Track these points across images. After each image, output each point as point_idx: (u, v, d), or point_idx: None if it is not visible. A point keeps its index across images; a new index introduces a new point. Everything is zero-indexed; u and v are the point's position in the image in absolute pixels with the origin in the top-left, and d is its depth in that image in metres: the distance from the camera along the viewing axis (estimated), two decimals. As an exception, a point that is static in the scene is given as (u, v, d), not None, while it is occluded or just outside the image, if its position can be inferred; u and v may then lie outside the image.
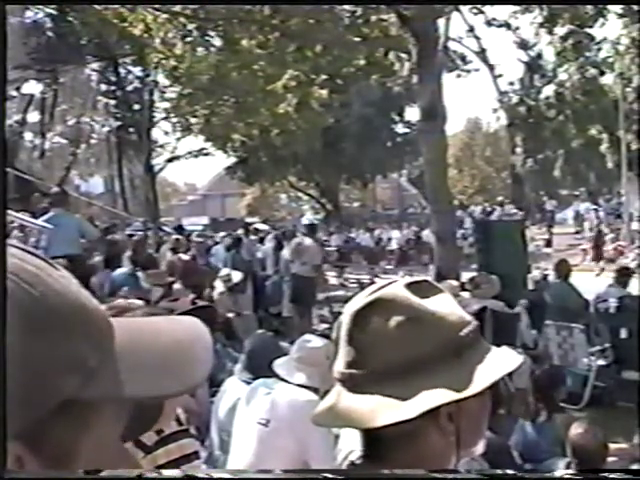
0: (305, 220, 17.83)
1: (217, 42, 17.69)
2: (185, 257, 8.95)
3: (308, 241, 10.72)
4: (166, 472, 0.70)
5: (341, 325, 1.12)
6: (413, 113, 33.31)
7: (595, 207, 25.91)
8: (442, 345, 1.06)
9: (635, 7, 17.21)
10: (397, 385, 1.03)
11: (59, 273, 0.63)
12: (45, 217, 7.58)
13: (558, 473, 3.29)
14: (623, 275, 8.16)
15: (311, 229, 11.53)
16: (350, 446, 2.43)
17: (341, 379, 1.09)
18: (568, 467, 3.47)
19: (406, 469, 1.03)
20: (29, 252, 0.63)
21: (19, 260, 0.60)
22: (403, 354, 1.04)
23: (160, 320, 0.76)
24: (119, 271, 6.81)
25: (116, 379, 0.62)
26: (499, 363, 1.09)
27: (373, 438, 1.08)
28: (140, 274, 6.90)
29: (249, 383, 3.57)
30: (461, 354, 1.07)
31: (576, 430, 3.54)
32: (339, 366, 1.10)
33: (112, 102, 26.45)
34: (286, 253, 10.94)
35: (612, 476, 0.87)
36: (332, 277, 18.80)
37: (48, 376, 0.57)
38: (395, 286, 1.10)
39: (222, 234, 14.65)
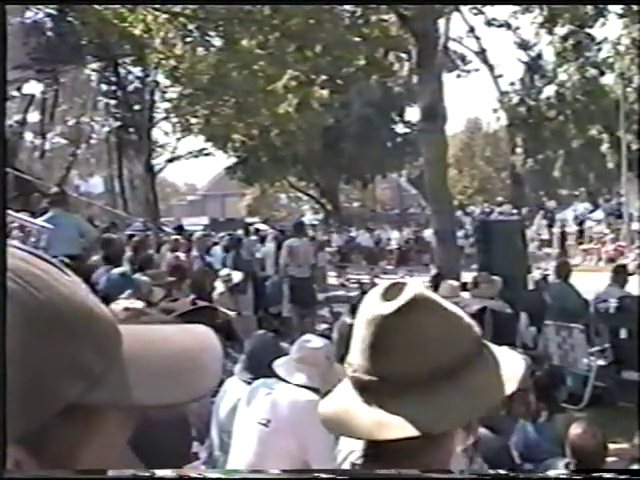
0: (295, 220, 17.87)
1: (217, 42, 17.68)
2: (185, 257, 8.95)
3: (298, 242, 10.71)
4: (159, 472, 0.70)
5: (358, 328, 1.07)
6: (413, 113, 33.29)
7: (592, 209, 25.95)
8: (467, 347, 1.05)
9: (635, 7, 17.21)
10: (424, 395, 1.00)
11: (67, 278, 0.63)
12: (45, 217, 7.59)
13: (557, 473, 3.29)
14: (619, 273, 8.15)
15: (300, 228, 11.52)
16: (350, 447, 2.43)
17: (361, 386, 1.04)
18: (568, 467, 3.47)
19: (409, 469, 1.02)
20: (37, 255, 0.62)
21: (25, 263, 0.60)
22: (440, 357, 1.02)
23: (170, 328, 0.76)
24: (115, 271, 6.77)
25: (122, 386, 0.62)
26: (512, 367, 1.08)
27: (377, 441, 1.04)
28: (138, 274, 6.88)
29: (249, 383, 3.57)
30: (482, 352, 1.07)
31: (575, 430, 3.54)
32: (357, 372, 1.05)
33: (112, 102, 26.46)
34: (281, 257, 10.93)
35: (610, 476, 0.88)
36: (332, 277, 18.80)
37: (50, 381, 0.57)
38: (419, 287, 1.07)
39: (222, 234, 14.65)
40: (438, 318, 1.04)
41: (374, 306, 1.05)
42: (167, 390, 0.64)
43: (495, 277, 7.76)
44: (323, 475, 0.85)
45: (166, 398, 0.65)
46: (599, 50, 29.14)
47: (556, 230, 24.23)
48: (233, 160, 31.29)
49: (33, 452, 0.58)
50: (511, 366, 1.07)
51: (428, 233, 19.23)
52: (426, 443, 1.01)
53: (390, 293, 1.05)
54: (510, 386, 1.04)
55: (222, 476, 0.75)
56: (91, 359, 0.61)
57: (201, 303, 4.19)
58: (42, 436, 0.58)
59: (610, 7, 22.27)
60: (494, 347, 1.11)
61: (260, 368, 3.56)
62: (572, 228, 24.07)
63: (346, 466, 2.19)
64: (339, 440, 2.87)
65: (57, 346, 0.58)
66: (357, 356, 1.06)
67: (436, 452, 1.04)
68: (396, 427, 0.98)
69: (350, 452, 2.30)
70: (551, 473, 3.21)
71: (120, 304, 3.05)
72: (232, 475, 0.92)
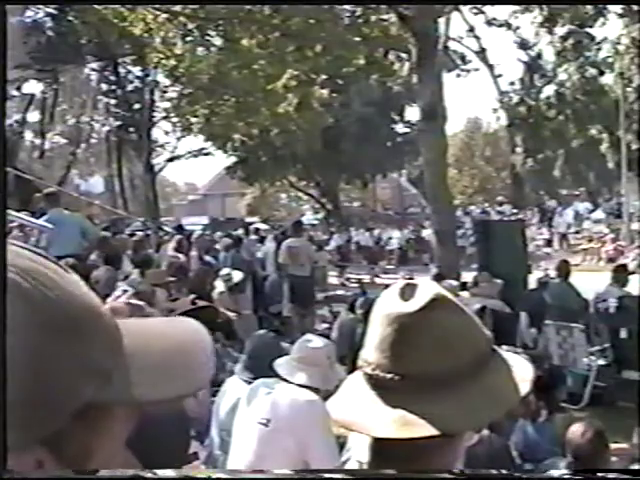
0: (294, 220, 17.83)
1: (217, 42, 17.72)
2: (184, 257, 8.95)
3: (297, 241, 10.69)
4: (160, 472, 0.70)
5: (376, 327, 1.06)
6: (413, 113, 33.31)
7: (592, 208, 25.98)
8: (483, 347, 1.05)
9: (635, 7, 17.21)
10: (446, 394, 1.00)
11: (70, 277, 0.63)
12: (45, 217, 7.57)
13: (558, 473, 3.29)
14: (620, 273, 8.15)
15: (298, 228, 11.50)
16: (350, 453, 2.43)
17: (381, 385, 1.03)
18: (568, 467, 3.47)
19: (418, 468, 1.01)
20: (40, 254, 0.62)
21: (34, 262, 0.60)
22: (461, 356, 1.02)
23: (161, 322, 0.76)
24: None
25: (127, 383, 0.62)
26: (523, 368, 1.08)
27: (386, 440, 1.03)
28: (137, 274, 6.87)
29: (250, 383, 3.57)
30: (494, 352, 1.07)
31: (576, 429, 3.54)
32: (376, 370, 1.04)
33: (112, 102, 26.46)
34: (281, 257, 10.90)
35: (611, 476, 0.87)
36: (332, 277, 18.79)
37: (67, 380, 0.57)
38: (436, 287, 1.07)
39: (220, 233, 14.64)
40: (457, 317, 1.04)
41: (393, 305, 1.04)
42: (167, 385, 0.65)
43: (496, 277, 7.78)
44: (330, 475, 0.84)
45: (166, 393, 0.65)
46: (599, 50, 29.17)
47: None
48: (233, 160, 31.29)
49: (53, 452, 0.58)
50: (521, 367, 1.07)
51: (428, 233, 19.23)
52: (440, 442, 1.00)
53: (407, 293, 1.05)
54: (524, 387, 1.04)
55: (227, 476, 0.75)
56: (101, 357, 0.61)
57: (201, 303, 4.19)
58: (61, 436, 0.58)
59: (610, 7, 22.29)
60: (499, 348, 1.11)
61: (261, 368, 3.56)
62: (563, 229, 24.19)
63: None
64: (338, 440, 2.87)
65: (71, 345, 0.58)
66: (376, 354, 1.05)
67: (447, 452, 1.04)
68: (419, 426, 0.97)
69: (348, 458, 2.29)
70: (552, 473, 3.21)
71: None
72: (237, 475, 0.92)
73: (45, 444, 0.57)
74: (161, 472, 0.70)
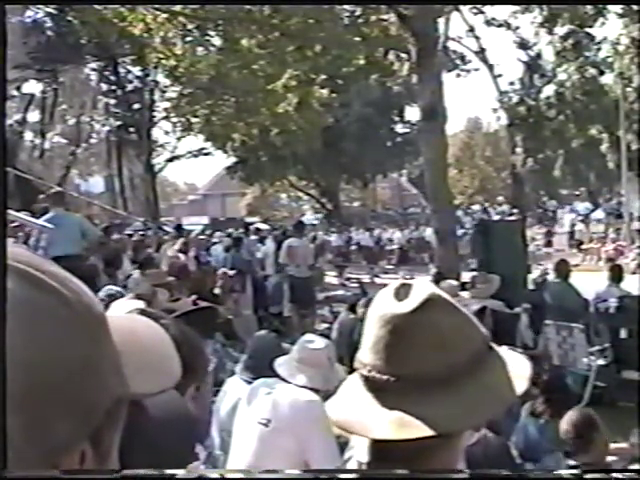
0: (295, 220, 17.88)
1: (217, 42, 17.73)
2: (183, 257, 8.95)
3: (297, 242, 10.70)
4: (169, 471, 0.72)
5: (371, 328, 1.05)
6: (413, 113, 33.33)
7: (592, 208, 25.99)
8: (479, 346, 1.05)
9: (635, 7, 17.22)
10: (442, 394, 0.99)
11: (76, 279, 0.65)
12: (46, 217, 7.57)
13: (559, 472, 3.29)
14: (615, 272, 8.16)
15: (300, 228, 11.51)
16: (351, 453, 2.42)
17: (377, 386, 1.02)
18: (570, 467, 3.47)
19: (418, 468, 1.01)
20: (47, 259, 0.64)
21: (57, 267, 0.61)
22: (457, 355, 1.01)
23: (129, 318, 0.78)
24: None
25: (126, 378, 0.64)
26: (521, 366, 1.08)
27: (386, 441, 1.02)
28: (138, 274, 6.87)
29: (250, 383, 3.56)
30: (491, 351, 1.07)
31: (569, 416, 3.56)
32: (372, 371, 1.03)
33: (112, 102, 26.47)
34: (281, 257, 10.92)
35: (621, 476, 0.87)
36: (332, 277, 18.80)
37: (105, 378, 0.60)
38: (431, 286, 1.07)
39: (222, 234, 14.64)
40: (452, 316, 1.04)
41: (388, 306, 1.04)
42: (153, 378, 0.67)
43: (492, 275, 7.77)
44: (341, 475, 0.84)
45: (154, 386, 0.68)
46: (598, 50, 29.17)
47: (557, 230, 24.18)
48: (233, 160, 31.30)
49: (92, 447, 0.60)
50: (519, 365, 1.07)
51: (428, 233, 19.23)
52: (438, 442, 1.00)
53: (402, 293, 1.04)
54: (521, 385, 1.04)
55: (242, 476, 0.76)
56: (117, 354, 0.63)
57: (202, 303, 4.18)
58: (98, 432, 0.60)
59: (610, 7, 22.29)
60: (496, 346, 1.11)
61: (261, 368, 3.56)
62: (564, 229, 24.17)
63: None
64: (339, 440, 2.87)
65: (101, 345, 0.61)
66: (371, 356, 1.04)
67: (447, 451, 1.04)
68: (416, 427, 0.97)
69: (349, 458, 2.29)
70: (553, 471, 3.21)
71: (122, 306, 3.04)
72: (252, 476, 0.91)
73: (88, 439, 0.60)
74: (173, 472, 0.71)
